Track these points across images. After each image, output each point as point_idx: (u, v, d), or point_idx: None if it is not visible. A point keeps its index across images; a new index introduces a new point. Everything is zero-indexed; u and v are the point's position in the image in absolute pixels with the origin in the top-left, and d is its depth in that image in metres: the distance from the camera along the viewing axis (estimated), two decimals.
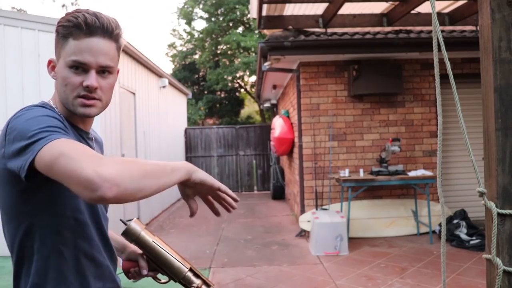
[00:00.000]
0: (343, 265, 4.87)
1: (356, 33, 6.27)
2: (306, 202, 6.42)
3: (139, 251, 1.29)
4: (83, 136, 1.20)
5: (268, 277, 4.58)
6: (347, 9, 5.92)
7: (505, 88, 1.09)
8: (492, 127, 1.11)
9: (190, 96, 13.43)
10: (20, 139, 0.97)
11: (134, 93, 7.26)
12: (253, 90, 19.17)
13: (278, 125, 7.99)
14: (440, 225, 5.72)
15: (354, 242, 5.71)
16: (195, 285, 1.22)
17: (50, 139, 0.93)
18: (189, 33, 20.60)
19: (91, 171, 0.86)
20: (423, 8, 5.75)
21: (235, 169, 12.22)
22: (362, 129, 6.47)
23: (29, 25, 5.54)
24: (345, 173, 5.82)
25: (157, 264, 1.24)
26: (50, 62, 1.18)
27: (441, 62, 1.21)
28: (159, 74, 9.13)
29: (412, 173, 5.81)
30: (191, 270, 1.26)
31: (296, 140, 7.05)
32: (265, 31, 8.20)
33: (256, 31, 17.32)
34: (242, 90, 21.41)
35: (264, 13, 6.10)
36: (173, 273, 1.23)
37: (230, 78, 18.81)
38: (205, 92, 20.24)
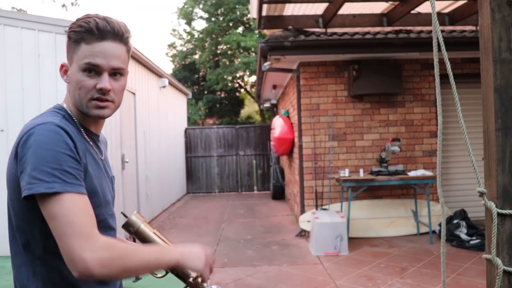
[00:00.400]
0: (343, 265, 4.87)
1: (356, 33, 6.27)
2: (306, 202, 6.42)
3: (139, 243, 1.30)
4: (94, 139, 1.25)
5: (268, 277, 4.58)
6: (347, 9, 5.92)
7: (505, 88, 1.09)
8: (492, 127, 1.11)
9: (190, 96, 13.43)
10: (32, 164, 1.01)
11: (134, 93, 7.25)
12: (253, 90, 19.17)
13: (278, 125, 7.99)
14: (440, 225, 5.71)
15: (354, 242, 5.71)
16: (192, 276, 1.22)
17: (53, 189, 0.99)
18: (189, 33, 20.60)
19: (77, 255, 0.96)
20: (423, 8, 5.75)
21: (235, 169, 12.22)
22: (362, 129, 6.47)
23: (29, 25, 5.53)
24: (345, 173, 5.82)
25: None
26: (62, 66, 1.22)
27: (441, 62, 1.21)
28: (159, 74, 9.13)
29: (412, 173, 5.80)
30: None
31: (296, 140, 7.05)
32: (265, 31, 8.20)
33: (256, 31, 17.31)
34: (242, 90, 21.41)
35: (264, 13, 6.10)
36: None
37: (230, 78, 18.80)
38: (205, 92, 20.23)
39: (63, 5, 15.27)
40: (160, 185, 8.98)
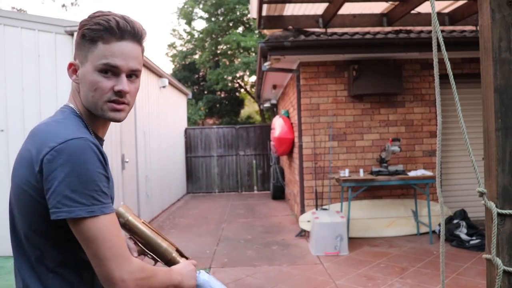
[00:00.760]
0: (343, 265, 4.87)
1: (356, 33, 6.27)
2: (306, 202, 6.42)
3: (127, 235, 1.30)
4: (100, 143, 1.21)
5: (268, 277, 4.58)
6: (347, 9, 5.92)
7: (505, 88, 1.09)
8: (492, 127, 1.11)
9: (190, 96, 13.43)
10: (69, 185, 0.97)
11: None
12: (253, 90, 19.17)
13: (278, 125, 7.99)
14: (440, 225, 5.71)
15: (354, 242, 5.71)
16: None
17: (93, 213, 0.99)
18: (189, 33, 20.60)
19: (118, 277, 0.99)
20: (423, 8, 5.75)
21: (235, 169, 12.22)
22: (362, 129, 6.47)
23: (29, 25, 5.53)
24: (345, 173, 5.82)
25: (145, 246, 1.26)
26: (71, 65, 1.15)
27: (441, 62, 1.21)
28: (159, 74, 9.13)
29: (412, 173, 5.80)
30: (177, 251, 1.30)
31: (296, 140, 7.04)
32: (265, 31, 8.20)
33: (256, 31, 17.32)
34: (242, 90, 21.41)
35: (264, 13, 6.10)
36: (161, 254, 1.27)
37: (230, 78, 18.81)
38: (205, 92, 20.23)
39: (63, 5, 15.29)
40: (160, 185, 8.98)
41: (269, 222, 7.59)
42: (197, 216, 8.46)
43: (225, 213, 8.69)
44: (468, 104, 6.09)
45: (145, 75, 8.11)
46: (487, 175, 1.15)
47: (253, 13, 7.04)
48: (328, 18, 5.83)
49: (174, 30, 23.88)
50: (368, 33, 6.26)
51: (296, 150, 7.28)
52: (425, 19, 6.10)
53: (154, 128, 8.76)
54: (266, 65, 6.46)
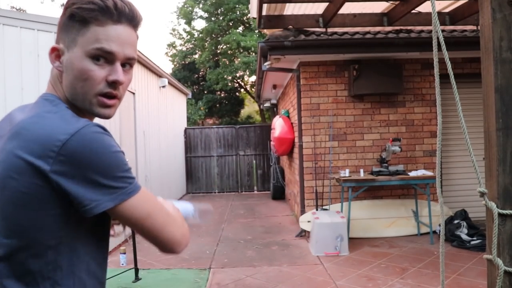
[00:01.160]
0: (344, 265, 4.86)
1: (357, 32, 6.26)
2: (306, 202, 6.42)
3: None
4: None
5: (268, 277, 4.57)
6: (347, 8, 5.91)
7: (506, 88, 1.08)
8: (493, 127, 1.10)
9: (190, 96, 13.43)
10: (101, 173, 0.88)
11: (133, 93, 7.25)
12: (253, 90, 19.16)
13: (278, 125, 7.99)
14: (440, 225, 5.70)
15: (355, 242, 5.70)
16: None
17: (135, 191, 0.93)
18: (189, 33, 20.61)
19: (179, 235, 1.01)
20: (424, 8, 5.74)
21: (235, 169, 12.21)
22: (363, 129, 6.46)
23: (29, 25, 5.52)
24: (345, 173, 5.81)
25: None
26: (54, 49, 0.99)
27: (442, 61, 1.20)
28: (158, 74, 9.12)
29: (412, 173, 5.80)
30: None
31: (296, 140, 7.04)
32: (265, 31, 8.19)
33: (256, 31, 17.32)
34: (242, 90, 21.42)
35: (264, 13, 6.10)
36: None
37: (230, 78, 18.82)
38: (205, 92, 20.24)
39: (62, 5, 15.28)
40: (160, 185, 8.98)
41: (269, 222, 7.59)
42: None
43: (225, 213, 8.69)
44: (468, 104, 6.08)
45: (144, 74, 8.10)
46: (487, 175, 1.14)
47: (253, 13, 7.04)
48: (329, 18, 5.83)
49: (174, 30, 23.92)
50: (368, 32, 6.25)
51: (296, 150, 7.28)
52: (426, 18, 6.09)
53: (154, 128, 8.76)
54: (266, 64, 6.45)
